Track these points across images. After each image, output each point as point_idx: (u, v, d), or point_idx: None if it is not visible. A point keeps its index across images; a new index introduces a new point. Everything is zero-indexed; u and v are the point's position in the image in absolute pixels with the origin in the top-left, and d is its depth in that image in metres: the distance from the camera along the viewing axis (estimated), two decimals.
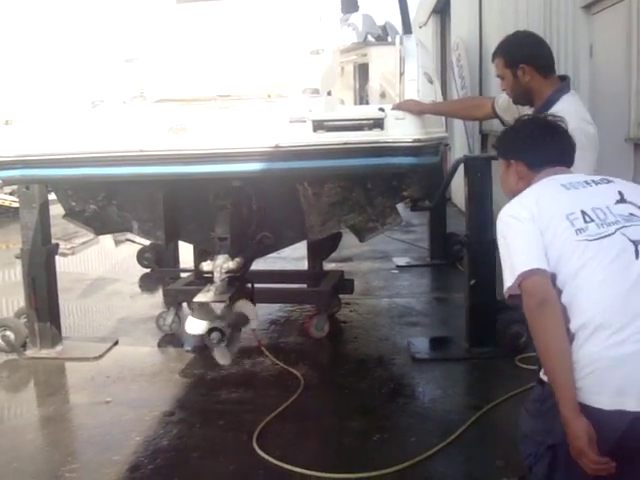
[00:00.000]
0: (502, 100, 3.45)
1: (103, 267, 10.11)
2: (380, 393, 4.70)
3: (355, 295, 6.89)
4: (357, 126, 3.88)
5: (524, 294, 2.08)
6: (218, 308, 4.39)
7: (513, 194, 2.40)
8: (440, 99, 5.45)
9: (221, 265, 4.36)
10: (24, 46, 19.21)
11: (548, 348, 2.03)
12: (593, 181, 2.28)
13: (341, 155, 3.86)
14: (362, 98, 6.48)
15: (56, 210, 5.50)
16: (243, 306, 4.55)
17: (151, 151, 3.89)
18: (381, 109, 3.97)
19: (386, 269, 8.40)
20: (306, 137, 3.83)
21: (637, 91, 5.39)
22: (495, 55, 3.23)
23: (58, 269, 5.79)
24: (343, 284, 6.35)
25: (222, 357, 4.28)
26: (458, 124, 12.64)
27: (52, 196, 5.38)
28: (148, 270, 8.53)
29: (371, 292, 7.34)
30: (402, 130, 3.86)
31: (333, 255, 8.54)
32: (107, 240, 11.51)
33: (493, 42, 10.89)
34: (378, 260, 8.88)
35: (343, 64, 6.83)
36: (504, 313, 5.30)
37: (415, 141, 3.86)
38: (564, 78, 3.16)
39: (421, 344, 5.62)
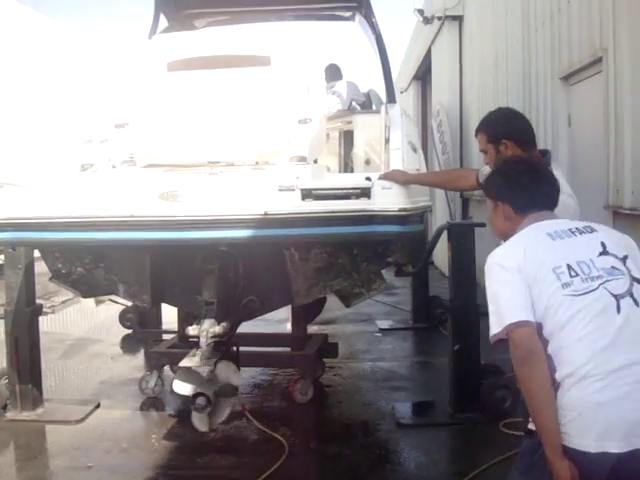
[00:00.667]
0: (486, 172, 3.55)
1: (84, 327, 10.02)
2: (365, 460, 4.67)
3: (339, 359, 6.88)
4: (345, 195, 3.97)
5: (512, 345, 2.23)
6: (204, 373, 4.38)
7: (501, 233, 2.60)
8: (424, 167, 5.57)
9: (207, 330, 4.36)
10: (17, 111, 19.34)
11: (535, 395, 2.19)
12: (577, 229, 2.41)
13: (329, 223, 3.93)
14: (347, 164, 6.60)
15: (38, 268, 5.50)
16: (227, 371, 4.53)
17: (141, 217, 3.94)
18: (368, 178, 4.06)
19: (369, 332, 8.42)
20: (295, 205, 3.90)
21: (614, 159, 5.56)
22: (478, 131, 3.34)
23: (40, 329, 5.76)
24: (327, 348, 6.35)
25: (201, 423, 4.25)
26: (439, 192, 12.84)
27: (36, 253, 5.39)
28: (130, 331, 8.48)
29: (355, 356, 7.34)
30: (389, 199, 3.95)
31: (316, 318, 8.57)
32: (89, 300, 11.47)
33: (473, 110, 11.19)
34: (361, 323, 8.90)
35: (329, 130, 6.93)
36: (488, 378, 5.34)
37: (401, 210, 3.94)
38: (545, 153, 3.27)
39: (405, 409, 5.62)
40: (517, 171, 2.61)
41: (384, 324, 8.71)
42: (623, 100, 5.41)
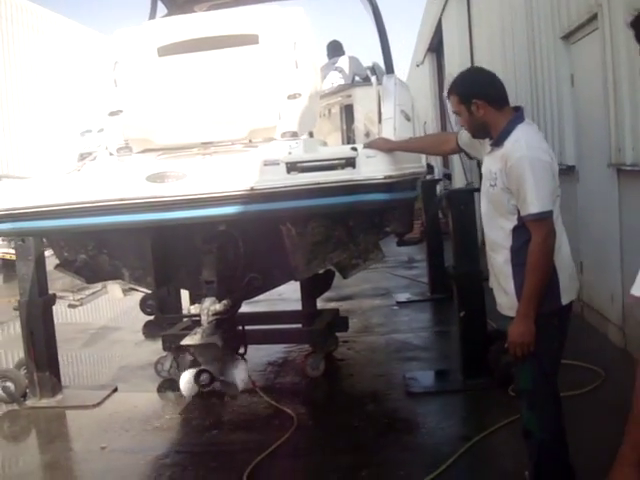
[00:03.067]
0: (464, 135, 3.54)
1: (108, 316, 10.20)
2: (372, 428, 4.72)
3: (353, 333, 6.95)
4: (330, 166, 3.98)
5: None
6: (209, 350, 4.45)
7: None
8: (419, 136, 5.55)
9: (208, 308, 4.43)
10: (13, 103, 19.59)
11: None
12: None
13: (315, 195, 3.94)
14: (349, 138, 6.60)
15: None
16: (235, 367, 4.60)
17: (130, 199, 4.00)
18: (354, 148, 4.07)
19: (387, 305, 8.45)
20: (280, 178, 3.92)
21: (615, 117, 5.49)
22: (449, 93, 3.33)
23: (65, 320, 5.91)
24: (338, 322, 6.39)
25: (187, 389, 4.36)
26: (457, 158, 12.78)
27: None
28: (151, 317, 8.61)
29: (370, 329, 7.38)
30: (373, 168, 3.95)
31: (333, 294, 8.63)
32: (115, 289, 11.66)
33: None
34: (379, 297, 8.93)
35: (330, 106, 6.97)
36: (496, 344, 5.33)
37: (387, 177, 3.94)
38: (518, 109, 3.25)
39: (417, 378, 5.63)
40: None
41: (401, 297, 8.73)
42: (620, 56, 5.32)
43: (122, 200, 4.02)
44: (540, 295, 3.03)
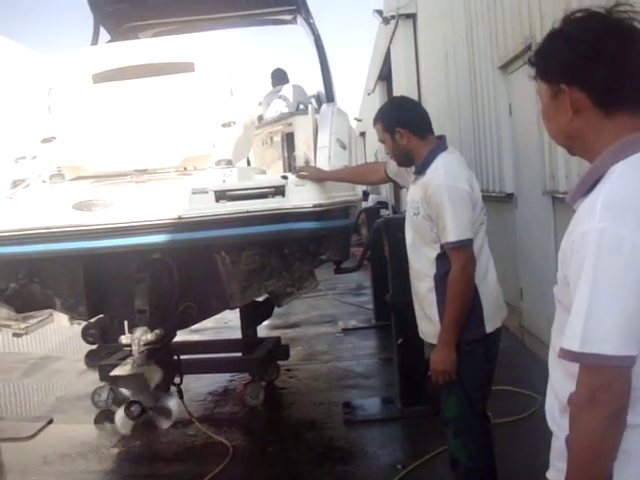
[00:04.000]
0: (392, 165, 3.58)
1: (52, 345, 10.00)
2: (308, 458, 4.69)
3: (296, 361, 6.92)
4: (259, 194, 3.98)
5: None
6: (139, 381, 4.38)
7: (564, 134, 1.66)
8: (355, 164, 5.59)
9: (139, 337, 4.35)
10: None
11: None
12: None
13: (244, 223, 3.94)
14: (291, 166, 6.61)
15: None
16: (167, 397, 4.53)
17: (56, 227, 3.95)
18: (284, 177, 4.09)
19: (331, 333, 8.43)
20: (208, 207, 3.91)
21: (549, 146, 5.59)
22: (375, 121, 3.37)
23: (7, 350, 5.76)
24: (279, 350, 6.36)
25: (123, 426, 4.27)
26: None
27: None
28: (94, 347, 8.47)
29: (313, 357, 7.34)
30: (303, 196, 3.96)
31: (280, 322, 8.61)
32: (62, 318, 11.44)
33: (430, 104, 11.24)
34: (325, 324, 8.91)
35: (272, 134, 6.99)
36: None
37: (316, 206, 3.96)
38: (440, 137, 3.29)
39: (355, 406, 5.61)
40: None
41: (347, 324, 8.72)
42: None
43: (48, 228, 3.97)
44: (460, 322, 3.04)
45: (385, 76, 16.41)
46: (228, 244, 4.34)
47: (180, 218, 3.88)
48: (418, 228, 3.21)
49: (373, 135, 17.87)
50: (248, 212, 3.89)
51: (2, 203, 4.59)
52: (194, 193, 3.95)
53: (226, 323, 8.96)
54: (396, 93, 14.26)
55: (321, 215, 4.00)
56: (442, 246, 3.09)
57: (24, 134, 5.41)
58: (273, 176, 5.00)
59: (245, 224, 3.94)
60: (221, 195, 3.92)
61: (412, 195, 3.26)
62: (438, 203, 3.01)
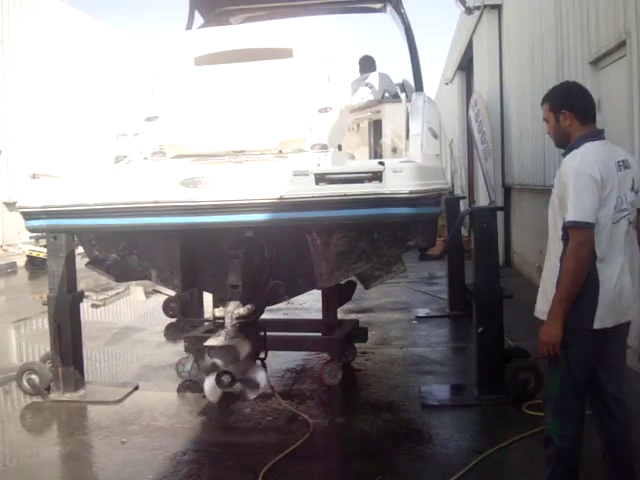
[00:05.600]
0: None
1: (131, 317, 10.38)
2: (386, 437, 4.82)
3: (372, 344, 7.06)
4: (357, 178, 4.10)
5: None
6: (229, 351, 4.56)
7: None
8: (446, 153, 5.66)
9: (232, 311, 4.53)
10: (52, 105, 20.03)
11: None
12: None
13: (341, 206, 4.06)
14: (377, 153, 6.72)
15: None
16: (255, 371, 4.70)
17: (164, 202, 4.15)
18: (381, 162, 4.19)
19: (405, 320, 8.54)
20: (308, 189, 4.05)
21: (639, 146, 5.56)
22: (543, 100, 3.53)
23: (89, 319, 6.04)
24: (357, 332, 6.50)
25: (212, 395, 4.45)
26: (480, 177, 12.85)
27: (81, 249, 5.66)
28: (173, 320, 8.78)
29: (388, 342, 7.47)
30: (399, 182, 4.06)
31: (354, 306, 8.74)
32: (138, 291, 11.89)
33: (513, 99, 11.18)
34: (399, 311, 9.03)
35: (359, 121, 7.11)
36: (512, 360, 5.42)
37: (412, 192, 4.05)
38: (599, 130, 3.43)
39: (432, 391, 5.72)
40: None
41: (421, 312, 8.81)
42: None
43: (156, 203, 4.16)
44: (569, 300, 3.17)
45: (465, 66, 16.31)
46: (320, 226, 4.49)
47: (282, 198, 4.02)
48: (553, 207, 3.35)
49: (450, 124, 17.78)
50: (346, 195, 4.01)
51: (106, 177, 4.84)
52: (295, 175, 4.09)
53: (301, 304, 9.16)
54: (476, 85, 14.19)
55: (416, 201, 4.09)
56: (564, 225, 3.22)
57: (125, 113, 5.66)
58: (369, 161, 5.12)
59: (343, 207, 4.06)
60: (321, 178, 4.05)
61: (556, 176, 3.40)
62: (565, 183, 3.16)
